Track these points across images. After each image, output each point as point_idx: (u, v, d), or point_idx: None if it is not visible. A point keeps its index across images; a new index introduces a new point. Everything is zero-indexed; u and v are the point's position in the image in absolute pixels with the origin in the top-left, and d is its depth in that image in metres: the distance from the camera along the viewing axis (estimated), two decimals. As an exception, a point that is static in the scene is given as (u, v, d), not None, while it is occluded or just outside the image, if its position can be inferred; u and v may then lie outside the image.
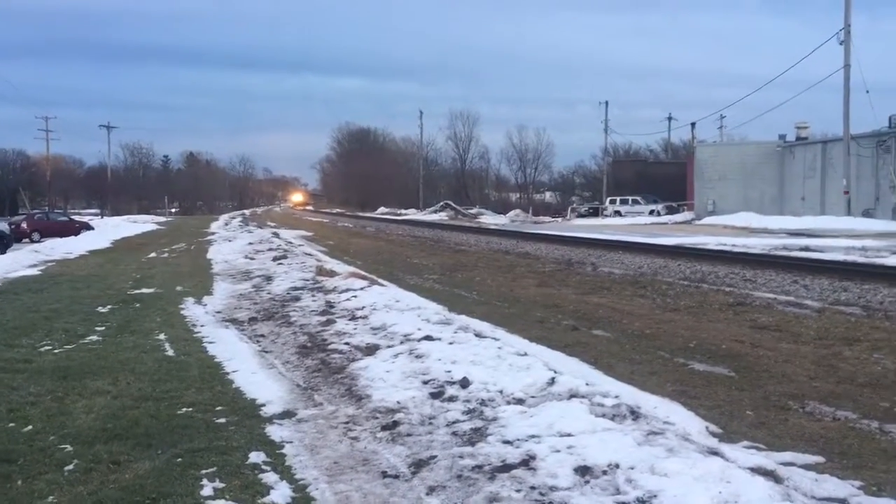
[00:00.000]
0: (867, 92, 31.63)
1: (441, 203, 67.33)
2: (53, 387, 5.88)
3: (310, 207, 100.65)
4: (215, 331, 8.45)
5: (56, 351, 7.34)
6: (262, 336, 8.17)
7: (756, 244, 19.71)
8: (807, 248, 17.97)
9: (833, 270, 12.59)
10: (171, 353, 7.22)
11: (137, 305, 10.51)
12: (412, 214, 63.00)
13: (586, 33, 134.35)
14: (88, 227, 35.71)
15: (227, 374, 6.32)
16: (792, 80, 39.72)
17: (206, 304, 10.55)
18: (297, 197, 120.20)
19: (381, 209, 72.62)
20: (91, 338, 8.03)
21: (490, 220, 52.12)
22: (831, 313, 8.86)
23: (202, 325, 8.79)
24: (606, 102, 63.68)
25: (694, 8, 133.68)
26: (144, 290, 12.19)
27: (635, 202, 50.94)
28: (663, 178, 55.60)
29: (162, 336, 8.08)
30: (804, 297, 10.18)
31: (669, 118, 71.79)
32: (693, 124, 62.29)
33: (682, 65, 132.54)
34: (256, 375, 6.27)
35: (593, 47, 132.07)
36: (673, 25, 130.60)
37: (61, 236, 30.07)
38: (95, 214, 63.74)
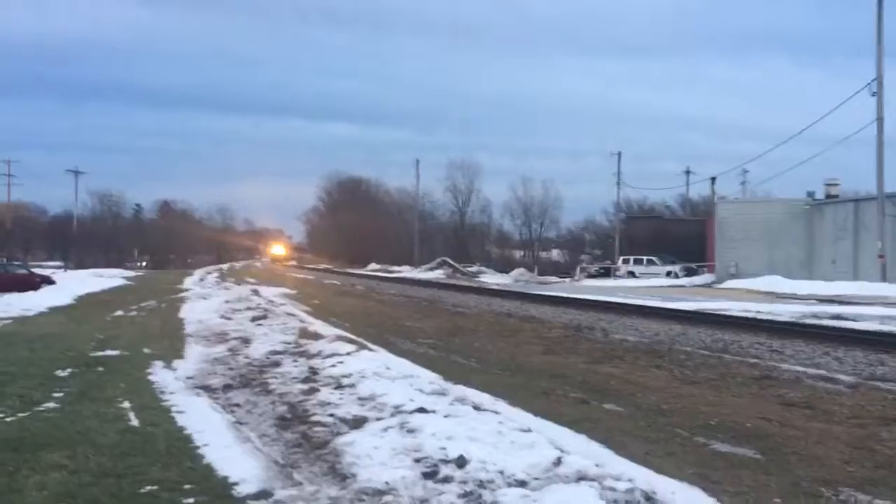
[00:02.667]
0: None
1: (438, 260, 67.47)
2: (4, 460, 5.79)
3: (293, 262, 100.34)
4: (186, 399, 8.38)
5: (8, 419, 7.26)
6: (238, 405, 8.10)
7: (783, 311, 19.72)
8: (839, 317, 17.97)
9: (868, 342, 12.59)
10: (135, 423, 7.14)
11: (100, 369, 10.44)
12: (406, 272, 63.10)
13: (592, 79, 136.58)
14: (50, 282, 35.63)
15: (198, 447, 6.25)
16: (820, 133, 40.12)
17: (176, 369, 10.48)
18: (277, 249, 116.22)
19: (372, 265, 72.77)
20: (48, 405, 7.95)
21: (491, 279, 52.19)
22: (867, 389, 8.82)
23: (171, 393, 8.71)
24: (619, 153, 64.38)
25: (707, 55, 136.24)
26: (109, 353, 12.11)
27: (651, 262, 51.14)
28: (681, 236, 55.92)
29: (126, 404, 8.00)
30: (836, 371, 10.15)
31: (687, 172, 72.68)
32: (713, 179, 62.71)
33: (699, 115, 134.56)
34: (230, 450, 6.20)
35: (601, 94, 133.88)
36: (685, 73, 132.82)
37: (20, 291, 29.97)
38: (58, 267, 63.71)
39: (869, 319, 17.17)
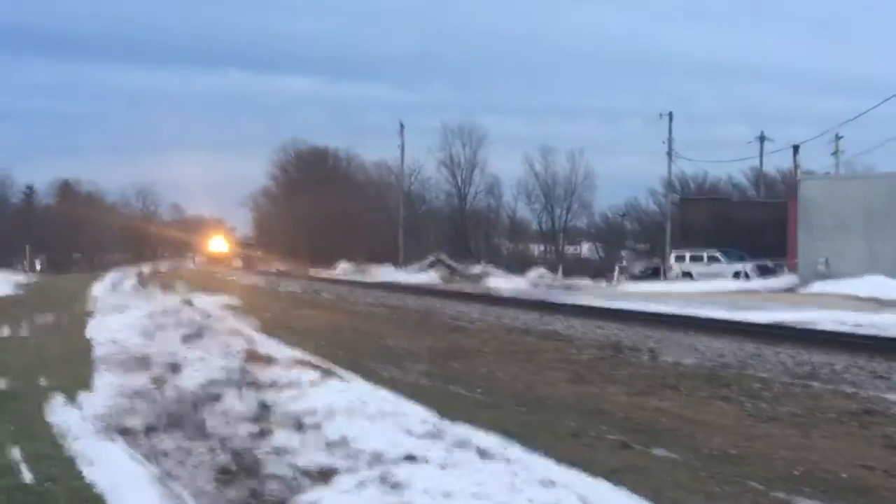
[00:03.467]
0: None
1: (431, 258, 67.59)
2: None
3: (237, 262, 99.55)
4: (96, 445, 8.37)
5: None
6: (165, 454, 8.10)
7: (891, 323, 19.76)
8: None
9: None
10: (28, 478, 7.14)
11: (-19, 406, 10.43)
12: (388, 273, 63.14)
13: (630, 14, 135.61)
14: (-88, 290, 35.63)
15: (112, 510, 6.25)
16: (937, 86, 40.12)
17: (82, 406, 10.47)
18: (217, 244, 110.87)
19: (343, 265, 72.72)
20: (-89, 454, 7.95)
21: (501, 282, 52.21)
22: None
23: (76, 438, 8.70)
24: (670, 114, 64.42)
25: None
26: (-8, 384, 12.11)
27: (713, 259, 51.23)
28: (753, 224, 55.99)
29: (17, 453, 8.00)
30: (962, 403, 10.19)
31: (762, 139, 72.67)
32: (796, 148, 63.01)
33: (774, 63, 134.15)
34: (155, 513, 6.21)
35: (642, 34, 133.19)
36: (755, 3, 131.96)
37: None
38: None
39: None
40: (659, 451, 7.97)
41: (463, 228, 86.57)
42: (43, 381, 12.38)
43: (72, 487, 6.89)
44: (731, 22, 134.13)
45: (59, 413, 10.05)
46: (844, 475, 7.04)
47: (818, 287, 37.22)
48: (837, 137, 63.27)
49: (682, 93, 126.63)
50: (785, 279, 44.92)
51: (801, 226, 44.02)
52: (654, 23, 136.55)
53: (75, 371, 13.48)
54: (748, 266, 49.87)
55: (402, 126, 78.39)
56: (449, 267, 63.82)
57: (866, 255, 39.64)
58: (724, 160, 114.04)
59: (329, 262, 76.32)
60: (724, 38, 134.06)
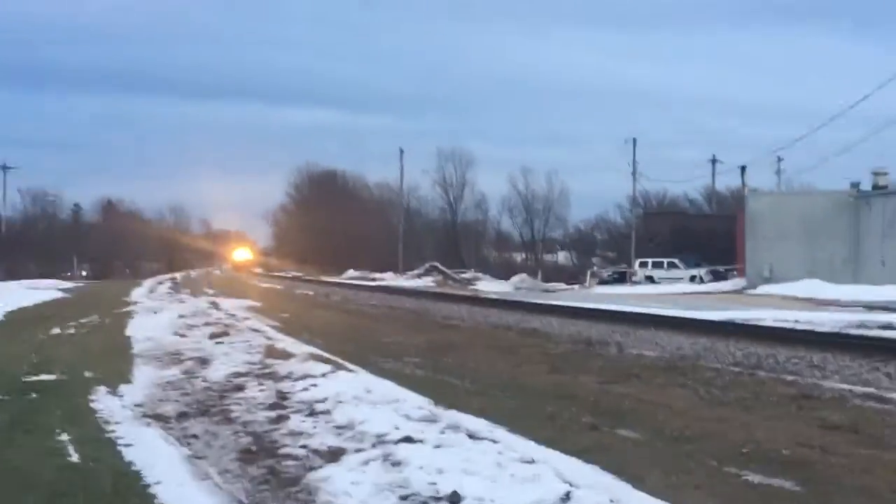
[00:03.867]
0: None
1: (426, 265, 67.56)
2: (-79, 503, 5.78)
3: (258, 269, 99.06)
4: (134, 430, 8.35)
5: (-74, 455, 7.23)
6: (195, 437, 8.08)
7: (825, 320, 19.81)
8: (890, 326, 18.06)
9: (924, 355, 12.64)
10: (75, 458, 7.12)
11: (34, 396, 10.40)
12: (390, 279, 63.13)
13: (599, 55, 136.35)
14: (-26, 295, 35.50)
15: (148, 486, 6.23)
16: (868, 114, 40.35)
17: (122, 395, 10.45)
18: (241, 254, 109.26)
19: (350, 272, 72.76)
20: (-28, 438, 7.92)
21: (488, 286, 52.29)
22: (922, 409, 8.87)
23: (117, 423, 8.69)
24: (634, 140, 64.72)
25: (731, 25, 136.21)
26: (44, 377, 12.07)
27: (672, 266, 51.34)
28: (707, 235, 56.08)
29: (65, 436, 7.98)
30: (887, 389, 10.20)
31: (713, 161, 72.84)
32: (743, 168, 63.13)
33: (725, 95, 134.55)
34: (185, 488, 6.19)
35: (609, 72, 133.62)
36: (707, 47, 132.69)
37: (-61, 306, 29.87)
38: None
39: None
40: (624, 432, 7.97)
41: (455, 239, 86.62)
42: (88, 374, 12.35)
43: (113, 466, 6.87)
44: (686, 60, 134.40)
45: (102, 401, 10.04)
46: (786, 451, 7.04)
47: (763, 289, 37.32)
48: (779, 159, 63.63)
49: (645, 121, 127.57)
50: (734, 282, 45.04)
51: (748, 236, 44.13)
52: (620, 61, 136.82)
53: (116, 365, 13.45)
54: (703, 271, 50.00)
55: (401, 151, 79.41)
56: (442, 273, 63.75)
57: (805, 261, 39.77)
58: (681, 179, 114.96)
59: (338, 269, 76.35)
60: (680, 74, 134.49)
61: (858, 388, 10.25)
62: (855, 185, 43.08)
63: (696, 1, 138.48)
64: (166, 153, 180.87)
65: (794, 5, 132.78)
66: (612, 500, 5.20)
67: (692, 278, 49.10)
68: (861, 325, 18.36)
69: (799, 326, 17.99)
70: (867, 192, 41.87)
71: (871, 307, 25.21)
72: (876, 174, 42.40)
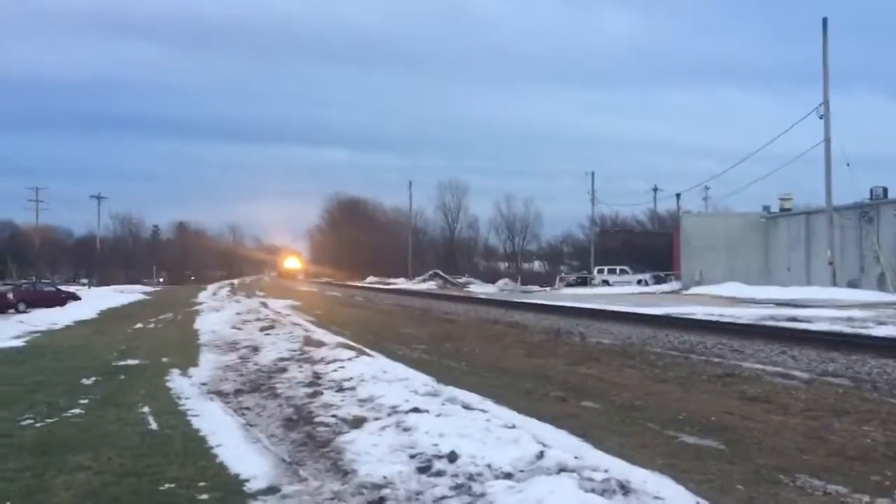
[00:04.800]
0: (848, 165, 32.25)
1: (430, 272, 67.46)
2: (33, 462, 5.75)
3: (300, 277, 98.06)
4: (200, 403, 8.33)
5: (37, 425, 7.21)
6: (248, 409, 8.06)
7: (743, 314, 19.76)
8: (794, 319, 18.02)
9: (820, 341, 12.62)
10: (154, 426, 7.11)
11: (122, 377, 10.39)
12: (401, 283, 63.02)
13: (565, 107, 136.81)
14: (75, 298, 35.46)
15: (211, 448, 6.22)
16: (774, 153, 40.68)
17: (191, 376, 10.43)
18: (291, 263, 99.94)
19: (370, 278, 72.62)
20: (74, 411, 7.90)
21: (479, 289, 52.17)
22: (819, 384, 8.85)
23: (187, 398, 8.67)
24: (592, 173, 64.69)
25: (666, 84, 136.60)
26: (129, 362, 12.06)
27: (623, 272, 51.20)
28: (650, 247, 56.02)
29: (146, 409, 7.97)
30: (792, 368, 10.17)
31: (655, 189, 72.82)
32: (678, 195, 63.06)
33: (663, 138, 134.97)
34: (241, 449, 6.17)
35: (573, 121, 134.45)
36: (648, 101, 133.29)
37: (48, 306, 29.84)
38: (83, 284, 63.37)
39: (821, 321, 17.21)
40: (587, 403, 7.94)
41: (452, 252, 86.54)
42: (164, 359, 12.33)
43: (184, 432, 6.86)
44: (636, 111, 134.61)
45: (175, 381, 10.02)
46: (713, 418, 7.02)
47: (695, 290, 37.23)
48: (706, 188, 63.51)
49: (601, 158, 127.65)
50: (672, 285, 44.93)
51: (682, 248, 44.09)
52: (584, 112, 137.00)
53: (186, 351, 13.43)
54: (647, 276, 49.86)
55: (410, 183, 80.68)
56: (443, 278, 63.62)
57: (727, 268, 39.73)
58: (630, 204, 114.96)
59: (361, 275, 76.19)
60: (631, 121, 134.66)
61: (770, 368, 10.22)
62: (766, 209, 43.09)
63: (644, 66, 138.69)
64: (226, 183, 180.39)
65: (714, 68, 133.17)
66: (576, 457, 5.17)
67: (639, 282, 48.94)
68: (771, 318, 18.31)
69: (723, 319, 17.94)
70: (775, 214, 41.87)
71: (779, 304, 25.17)
72: (782, 199, 42.42)
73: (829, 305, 22.94)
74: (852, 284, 32.55)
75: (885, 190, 34.44)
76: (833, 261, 32.27)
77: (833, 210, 32.95)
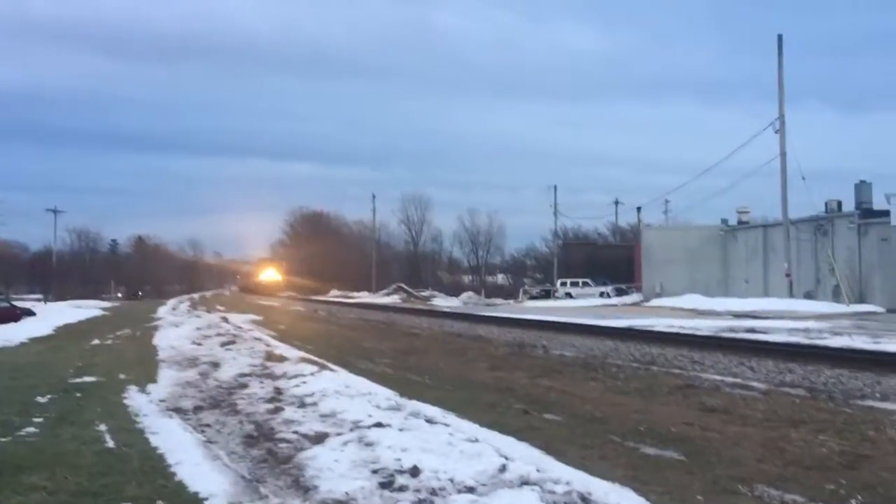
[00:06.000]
0: (803, 178, 33.00)
1: (394, 286, 67.31)
2: (-16, 483, 5.60)
3: (280, 291, 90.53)
4: (159, 421, 8.19)
5: (-11, 444, 7.02)
6: (208, 425, 7.95)
7: (703, 326, 20.04)
8: (752, 330, 18.33)
9: (778, 352, 12.85)
10: (111, 444, 6.97)
11: (78, 395, 10.16)
12: (365, 297, 62.75)
13: (526, 121, 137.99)
14: (30, 313, 34.64)
15: (170, 466, 6.11)
16: (732, 166, 41.51)
17: (149, 393, 10.25)
18: (270, 274, 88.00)
19: (334, 292, 72.17)
20: (28, 429, 7.71)
21: (443, 302, 52.18)
22: (777, 395, 9.00)
23: (145, 415, 8.52)
24: (555, 187, 65.31)
25: (626, 99, 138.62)
26: (86, 379, 11.81)
27: (585, 284, 51.67)
28: (612, 260, 56.67)
29: (103, 427, 7.80)
30: (750, 379, 10.34)
31: (616, 203, 73.83)
32: (639, 209, 63.97)
33: (624, 152, 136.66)
34: (200, 467, 6.07)
35: (535, 134, 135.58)
36: (609, 115, 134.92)
37: (1, 323, 29.13)
38: (38, 300, 61.97)
39: (778, 332, 17.54)
40: (549, 416, 7.97)
41: (416, 265, 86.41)
42: (122, 376, 12.11)
43: (142, 450, 6.73)
44: (598, 125, 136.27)
45: (133, 398, 9.84)
46: (673, 429, 7.09)
47: (656, 302, 37.71)
48: (666, 201, 64.49)
49: (564, 172, 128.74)
50: (633, 297, 45.42)
51: (643, 261, 44.65)
52: (547, 126, 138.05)
53: (145, 368, 13.20)
54: (609, 288, 50.36)
55: (374, 196, 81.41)
56: (406, 291, 63.52)
57: (687, 280, 40.31)
58: (592, 217, 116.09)
59: (324, 289, 75.70)
60: (593, 136, 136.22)
61: (729, 379, 10.37)
62: (724, 221, 43.87)
63: (605, 80, 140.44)
64: (186, 197, 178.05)
65: (675, 82, 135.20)
66: (538, 470, 5.19)
67: (601, 294, 49.39)
68: (730, 330, 18.60)
69: (683, 331, 18.19)
70: (733, 227, 42.62)
71: (738, 315, 25.58)
72: (739, 212, 43.23)
73: (787, 317, 23.39)
74: (809, 296, 33.25)
75: (840, 203, 35.33)
76: (790, 273, 32.93)
77: (790, 223, 33.66)
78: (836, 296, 32.20)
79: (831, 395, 8.91)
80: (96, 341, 19.93)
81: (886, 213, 32.32)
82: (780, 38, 32.78)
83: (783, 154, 32.38)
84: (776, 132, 32.46)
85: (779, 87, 32.53)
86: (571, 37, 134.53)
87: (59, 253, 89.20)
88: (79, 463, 6.19)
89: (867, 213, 33.75)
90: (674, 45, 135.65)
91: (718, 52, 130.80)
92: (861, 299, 31.33)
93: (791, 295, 32.16)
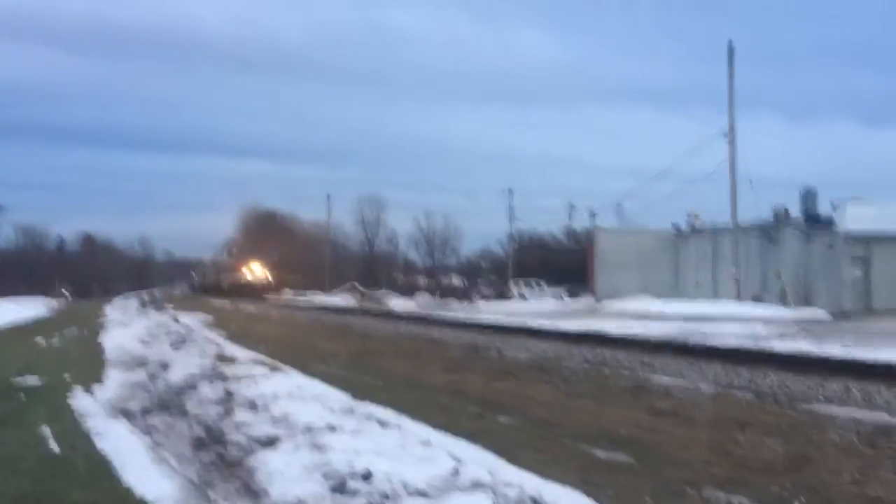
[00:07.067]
0: (751, 182, 33.73)
1: (347, 284, 66.96)
2: (-80, 488, 5.42)
3: (268, 291, 69.94)
4: (105, 423, 8.02)
5: (-74, 448, 6.80)
6: (156, 428, 7.80)
7: (654, 329, 20.32)
8: (701, 333, 18.64)
9: (725, 356, 13.11)
10: (56, 448, 6.80)
11: (21, 396, 9.90)
12: (319, 298, 62.26)
13: (482, 124, 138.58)
14: (-29, 311, 33.64)
15: (116, 470, 5.98)
16: (683, 172, 42.38)
17: (96, 395, 10.03)
18: (256, 269, 74.28)
19: (287, 292, 71.44)
20: (-33, 432, 7.48)
21: (398, 303, 51.97)
22: (725, 398, 9.18)
23: (90, 417, 8.33)
24: (510, 190, 65.83)
25: (581, 104, 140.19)
26: (29, 379, 11.50)
27: (539, 286, 52.04)
28: (566, 263, 57.19)
29: (47, 430, 7.61)
30: (699, 382, 10.52)
31: (570, 206, 74.43)
32: (593, 213, 64.69)
33: (578, 156, 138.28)
34: (147, 471, 5.96)
35: (490, 137, 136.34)
36: (563, 120, 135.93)
37: (-60, 321, 28.19)
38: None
39: (726, 336, 17.88)
40: (502, 419, 8.01)
41: (371, 266, 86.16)
42: (67, 377, 11.82)
43: (86, 453, 6.58)
44: (553, 129, 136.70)
45: (79, 399, 9.62)
46: (623, 432, 7.18)
47: (608, 304, 38.09)
48: (619, 205, 65.25)
49: (519, 175, 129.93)
50: (586, 299, 45.86)
51: (597, 264, 45.16)
52: (503, 129, 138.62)
53: (91, 369, 12.91)
54: (563, 291, 50.79)
55: (328, 197, 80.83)
56: (361, 292, 63.26)
57: (639, 283, 40.84)
58: (547, 221, 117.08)
59: (277, 290, 74.91)
60: (548, 139, 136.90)
61: (678, 381, 10.54)
62: (676, 226, 44.58)
63: (561, 85, 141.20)
64: (137, 195, 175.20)
65: (629, 88, 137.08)
66: (490, 473, 5.20)
67: (555, 296, 49.82)
68: (680, 333, 18.91)
69: (635, 334, 18.43)
70: (685, 232, 43.37)
71: (688, 319, 26.00)
72: (690, 217, 43.97)
73: (734, 320, 23.85)
74: (756, 300, 33.94)
75: (787, 210, 36.19)
76: (738, 277, 33.61)
77: (738, 229, 34.36)
78: (783, 300, 32.97)
79: (777, 399, 9.12)
80: (40, 340, 19.43)
81: (831, 221, 33.24)
82: (730, 44, 33.41)
83: (732, 162, 33.06)
84: (727, 139, 33.11)
85: (729, 95, 33.18)
86: (528, 41, 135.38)
87: (2, 250, 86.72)
88: (22, 467, 6.03)
89: (813, 221, 34.64)
90: (627, 51, 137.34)
91: (671, 59, 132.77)
92: (806, 304, 32.11)
93: (739, 299, 32.83)
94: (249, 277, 69.40)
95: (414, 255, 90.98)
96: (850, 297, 32.04)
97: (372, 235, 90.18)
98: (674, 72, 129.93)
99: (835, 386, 9.98)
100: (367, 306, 45.84)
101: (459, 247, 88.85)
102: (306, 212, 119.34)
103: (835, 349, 14.21)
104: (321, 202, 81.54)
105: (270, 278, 68.66)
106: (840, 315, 28.79)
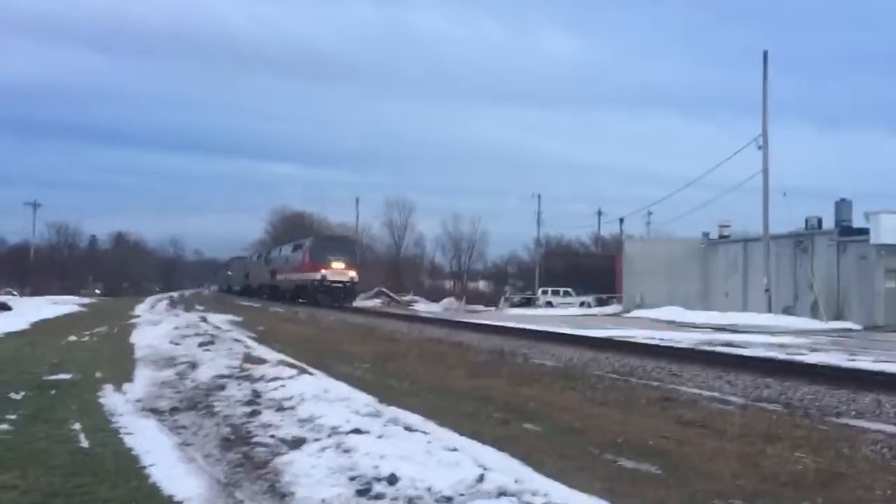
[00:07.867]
0: (784, 195, 33.36)
1: (375, 289, 67.17)
2: (-46, 481, 5.52)
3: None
4: (134, 421, 8.12)
5: (-40, 441, 6.92)
6: (184, 427, 7.88)
7: (682, 338, 20.14)
8: (730, 344, 18.45)
9: (755, 367, 12.93)
10: (85, 444, 6.89)
11: (53, 392, 10.05)
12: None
13: (509, 127, 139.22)
14: (6, 308, 34.27)
15: (145, 468, 6.05)
16: (714, 180, 42.01)
17: (126, 392, 10.16)
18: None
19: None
20: (1, 427, 7.61)
21: (424, 307, 52.13)
22: (754, 410, 9.05)
23: (121, 415, 8.44)
24: (539, 195, 65.82)
25: (611, 109, 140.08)
26: (61, 376, 11.67)
27: (567, 293, 51.85)
28: (593, 270, 56.91)
29: (77, 426, 7.72)
30: (728, 393, 10.39)
31: (599, 213, 74.20)
32: (621, 220, 64.39)
33: (607, 162, 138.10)
34: (175, 470, 6.02)
35: (518, 141, 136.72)
36: (592, 125, 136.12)
37: (-25, 316, 28.73)
38: (12, 294, 61.25)
39: (756, 346, 17.67)
40: (528, 426, 7.96)
41: (398, 269, 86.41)
42: (98, 374, 11.99)
43: (116, 450, 6.67)
44: (581, 134, 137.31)
45: (109, 397, 9.75)
46: (651, 442, 7.11)
47: (636, 313, 37.88)
48: (649, 213, 64.83)
49: (547, 180, 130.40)
50: (614, 307, 45.63)
51: (624, 272, 44.87)
52: (530, 133, 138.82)
53: (121, 367, 13.08)
54: (590, 298, 50.60)
55: (357, 200, 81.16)
56: (388, 296, 63.44)
57: (667, 292, 40.55)
58: (575, 227, 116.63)
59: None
60: (576, 145, 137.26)
61: (706, 393, 10.42)
62: (705, 235, 44.18)
63: (587, 90, 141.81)
64: (168, 195, 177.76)
65: (657, 94, 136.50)
66: (516, 481, 5.19)
67: (582, 304, 49.60)
68: (709, 343, 18.71)
69: (663, 343, 18.27)
70: (714, 240, 42.95)
71: (717, 329, 25.75)
72: (721, 226, 43.56)
73: (765, 331, 23.57)
74: (787, 311, 33.52)
75: (820, 220, 35.70)
76: (769, 288, 33.19)
77: (770, 238, 33.94)
78: (814, 312, 32.51)
79: (807, 412, 8.98)
80: (73, 337, 19.72)
81: (865, 231, 32.69)
82: (765, 54, 33.17)
83: (765, 171, 32.69)
84: (759, 148, 32.75)
85: (763, 104, 32.89)
86: (554, 46, 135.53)
87: (37, 247, 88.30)
88: (52, 462, 6.12)
89: (847, 231, 34.11)
90: (658, 57, 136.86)
91: (702, 65, 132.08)
92: (838, 316, 31.66)
93: (770, 310, 32.41)
94: (332, 277, 47.29)
95: (441, 259, 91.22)
96: (883, 310, 31.49)
97: (399, 238, 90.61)
98: (700, 78, 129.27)
99: (867, 400, 9.80)
100: (394, 310, 45.87)
101: (486, 251, 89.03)
102: (335, 215, 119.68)
103: (867, 362, 13.98)
104: (348, 205, 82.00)
105: (356, 278, 48.92)
106: (872, 327, 28.32)
